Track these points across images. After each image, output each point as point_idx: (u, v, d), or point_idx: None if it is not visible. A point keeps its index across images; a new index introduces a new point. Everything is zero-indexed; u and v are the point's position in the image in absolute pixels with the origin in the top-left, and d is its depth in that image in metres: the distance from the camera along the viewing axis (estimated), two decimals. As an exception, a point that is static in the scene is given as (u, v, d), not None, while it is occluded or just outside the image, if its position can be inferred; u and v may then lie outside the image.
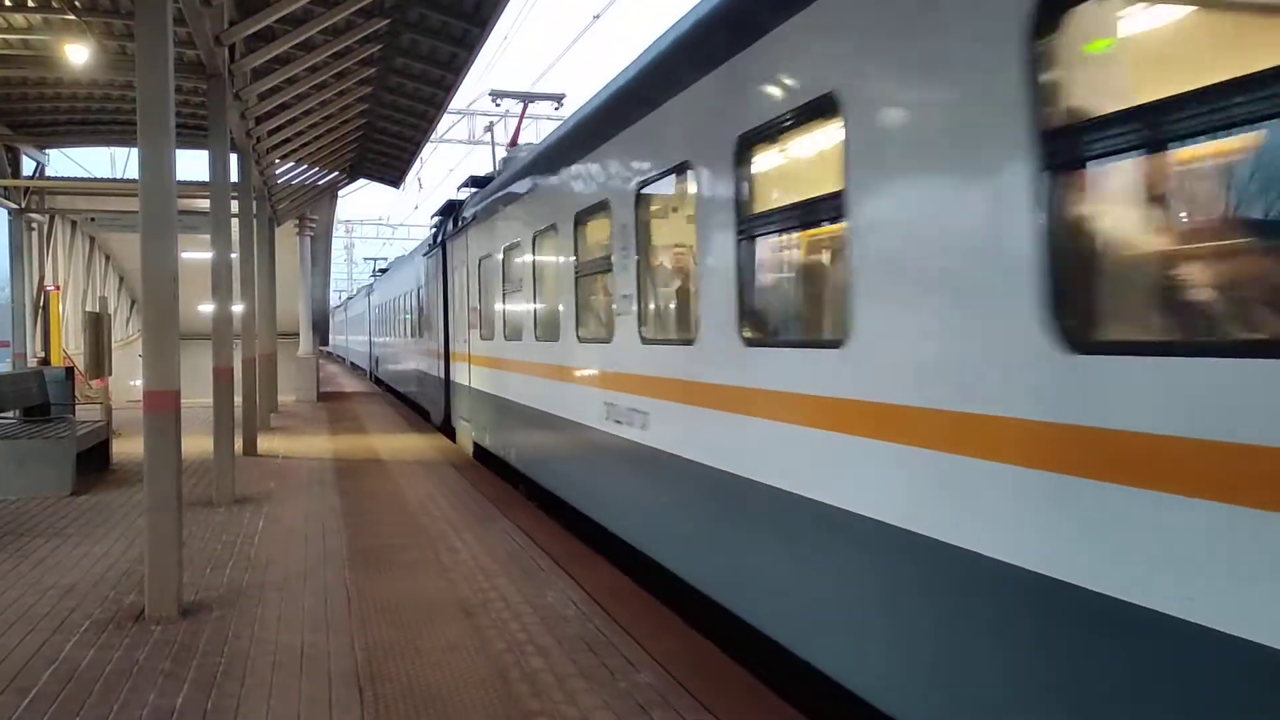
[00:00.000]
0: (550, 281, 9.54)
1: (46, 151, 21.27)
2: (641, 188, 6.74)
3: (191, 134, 16.21)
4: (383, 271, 38.69)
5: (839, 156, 4.28)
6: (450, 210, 16.76)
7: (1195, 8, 3.29)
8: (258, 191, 18.30)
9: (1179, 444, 2.72)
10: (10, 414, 13.29)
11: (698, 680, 5.18)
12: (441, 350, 16.88)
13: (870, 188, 4.11)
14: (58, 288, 23.38)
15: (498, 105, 19.64)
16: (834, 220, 4.43)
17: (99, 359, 15.75)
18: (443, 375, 16.81)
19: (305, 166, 21.93)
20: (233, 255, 12.43)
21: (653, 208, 6.90)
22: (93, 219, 24.12)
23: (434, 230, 18.65)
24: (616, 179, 7.26)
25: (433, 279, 17.98)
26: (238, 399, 12.50)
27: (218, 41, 11.13)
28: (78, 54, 12.06)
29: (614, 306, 7.31)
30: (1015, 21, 3.22)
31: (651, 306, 6.99)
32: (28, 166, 21.12)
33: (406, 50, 14.67)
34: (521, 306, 10.61)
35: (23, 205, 21.21)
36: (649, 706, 4.84)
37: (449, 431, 16.69)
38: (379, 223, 66.24)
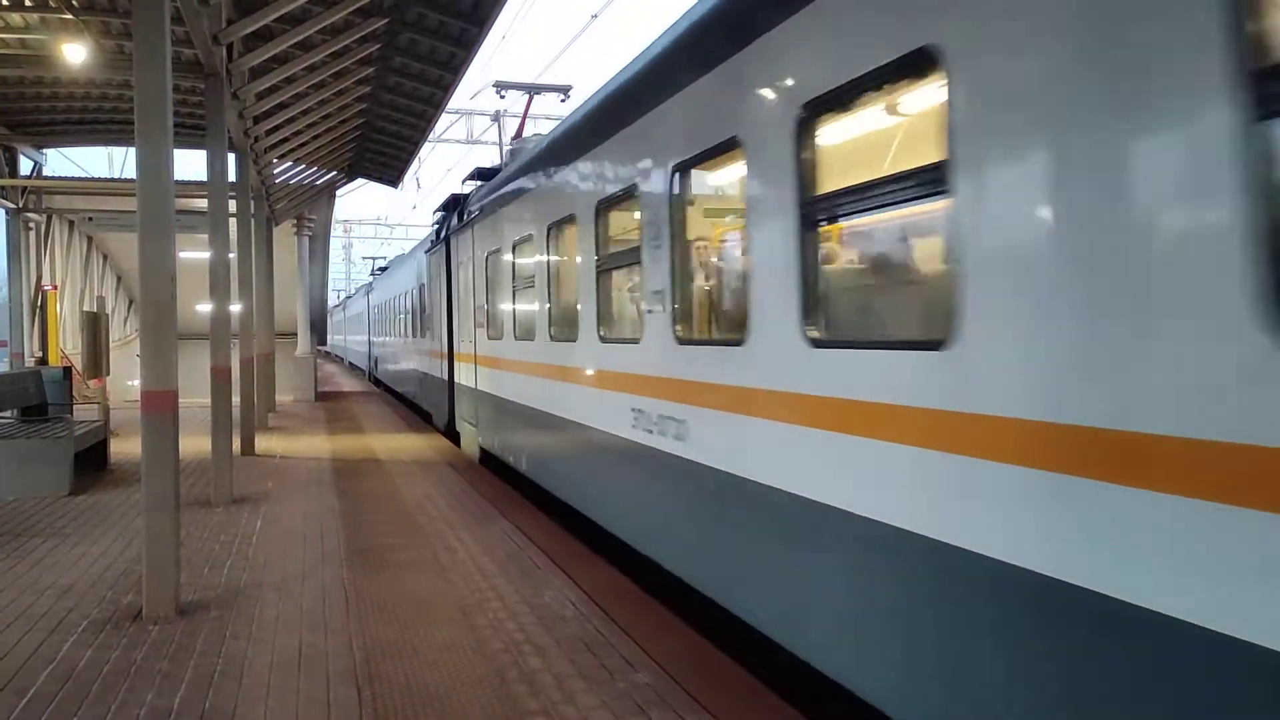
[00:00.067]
0: (567, 278, 8.97)
1: (44, 151, 21.25)
2: (678, 171, 6.05)
3: (189, 133, 16.19)
4: (382, 270, 37.90)
5: (940, 121, 3.60)
6: (454, 205, 15.96)
7: None
8: (256, 191, 18.29)
9: None
10: (8, 414, 13.29)
11: (696, 680, 5.18)
12: (445, 350, 16.17)
13: (986, 155, 3.43)
14: (55, 287, 23.35)
15: (502, 97, 19.13)
16: (934, 196, 3.72)
17: (97, 359, 15.72)
18: (446, 377, 16.14)
19: (303, 166, 21.92)
20: (230, 255, 12.42)
21: (692, 192, 6.22)
22: (90, 219, 24.08)
23: (436, 226, 17.98)
24: (647, 162, 6.54)
25: (436, 276, 17.29)
26: (235, 399, 12.49)
27: (215, 41, 11.11)
28: (75, 53, 12.05)
29: (643, 304, 6.64)
30: None
31: (689, 304, 6.31)
32: (25, 166, 21.10)
33: (405, 50, 14.66)
34: (534, 305, 9.88)
35: (20, 205, 21.19)
36: (647, 706, 4.84)
37: (453, 435, 16.09)
38: (377, 222, 66.37)
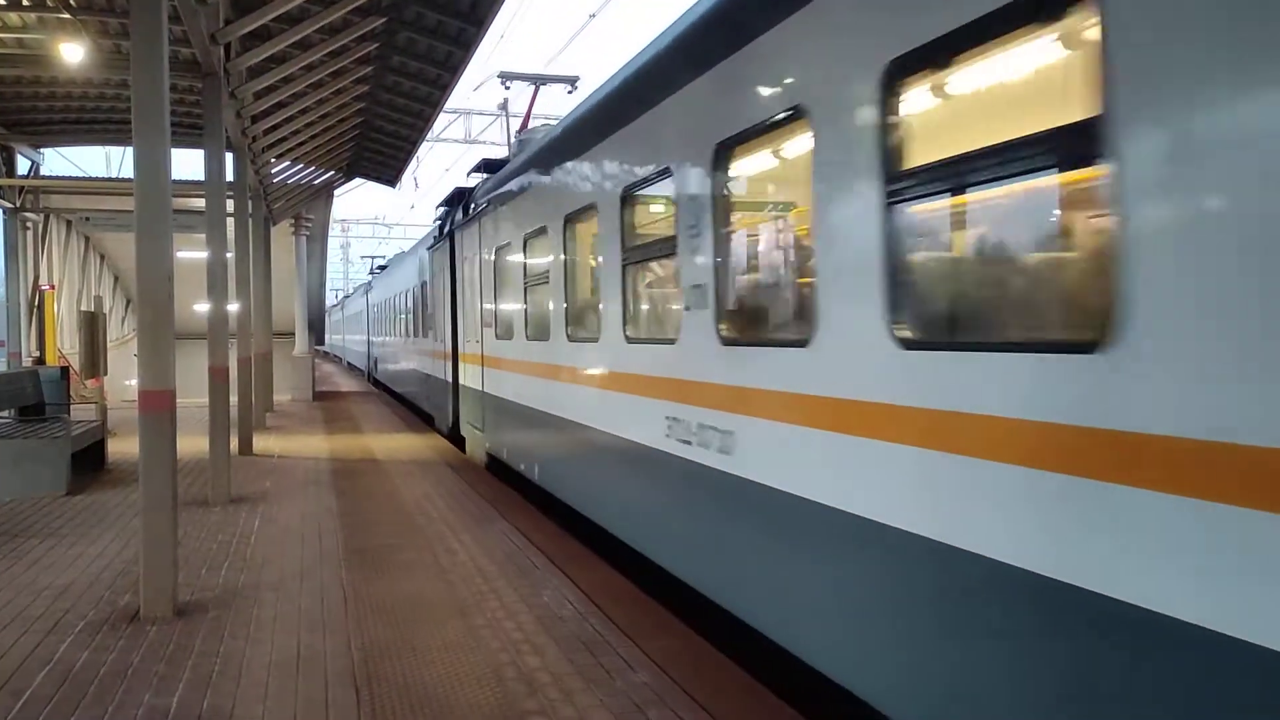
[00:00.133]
0: (586, 272, 8.43)
1: (41, 151, 21.22)
2: (724, 149, 5.37)
3: (187, 133, 16.17)
4: (381, 268, 37.24)
5: (1094, 64, 2.95)
6: (459, 198, 15.15)
7: None
8: (253, 190, 18.28)
9: None
10: (5, 414, 13.28)
11: (695, 680, 5.17)
12: (449, 351, 15.39)
13: (1166, 105, 2.75)
14: (53, 287, 23.32)
15: (507, 88, 18.50)
16: (1084, 162, 3.07)
17: (94, 358, 15.69)
18: (450, 378, 15.40)
19: (301, 166, 21.90)
20: (228, 255, 12.41)
21: (741, 173, 5.60)
22: (88, 218, 24.06)
23: (439, 221, 17.21)
24: (684, 142, 5.92)
25: (439, 273, 16.56)
26: (233, 398, 12.48)
27: (213, 40, 11.10)
28: (73, 53, 12.04)
29: (680, 301, 5.98)
30: None
31: (737, 299, 5.66)
32: (22, 166, 21.07)
33: (403, 49, 14.65)
34: (549, 303, 9.20)
35: (17, 204, 21.16)
36: (645, 706, 4.84)
37: (457, 439, 15.33)
38: (375, 222, 66.25)
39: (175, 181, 7.03)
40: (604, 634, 5.97)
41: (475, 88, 23.72)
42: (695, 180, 5.72)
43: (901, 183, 3.90)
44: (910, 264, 4.02)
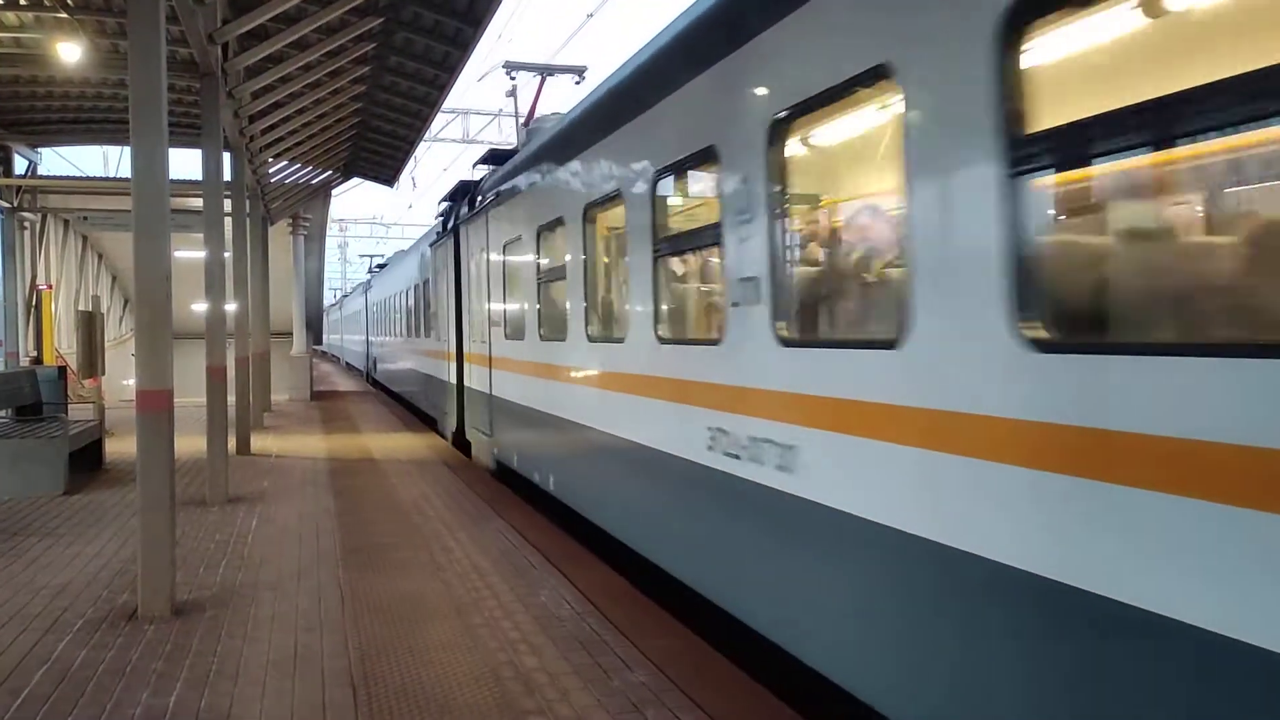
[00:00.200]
0: (611, 268, 7.85)
1: (39, 150, 21.21)
2: (781, 121, 4.74)
3: (184, 132, 16.17)
4: (381, 266, 36.56)
5: None
6: (464, 192, 14.44)
7: None
8: (251, 190, 18.26)
9: None
10: (3, 413, 13.28)
11: (693, 679, 5.18)
12: (454, 351, 14.73)
13: None
14: (50, 287, 23.32)
15: (513, 79, 18.11)
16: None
17: (92, 358, 15.68)
18: (455, 380, 14.72)
19: (299, 165, 21.90)
20: (226, 254, 12.41)
21: (805, 148, 4.92)
22: (85, 218, 24.06)
23: (442, 217, 16.50)
24: (731, 116, 5.25)
25: (443, 270, 15.80)
26: (231, 398, 12.48)
27: (210, 40, 11.10)
28: (70, 52, 12.04)
29: (726, 296, 5.35)
30: None
31: (801, 293, 5.02)
32: (20, 165, 21.06)
33: (400, 49, 14.66)
34: (565, 300, 8.54)
35: (15, 204, 21.14)
36: (643, 705, 4.84)
37: (462, 444, 14.58)
38: (373, 221, 66.19)
39: (173, 181, 7.03)
40: (601, 633, 5.98)
41: (479, 78, 23.09)
42: (747, 159, 5.00)
43: (1032, 148, 3.18)
44: (1047, 247, 3.37)
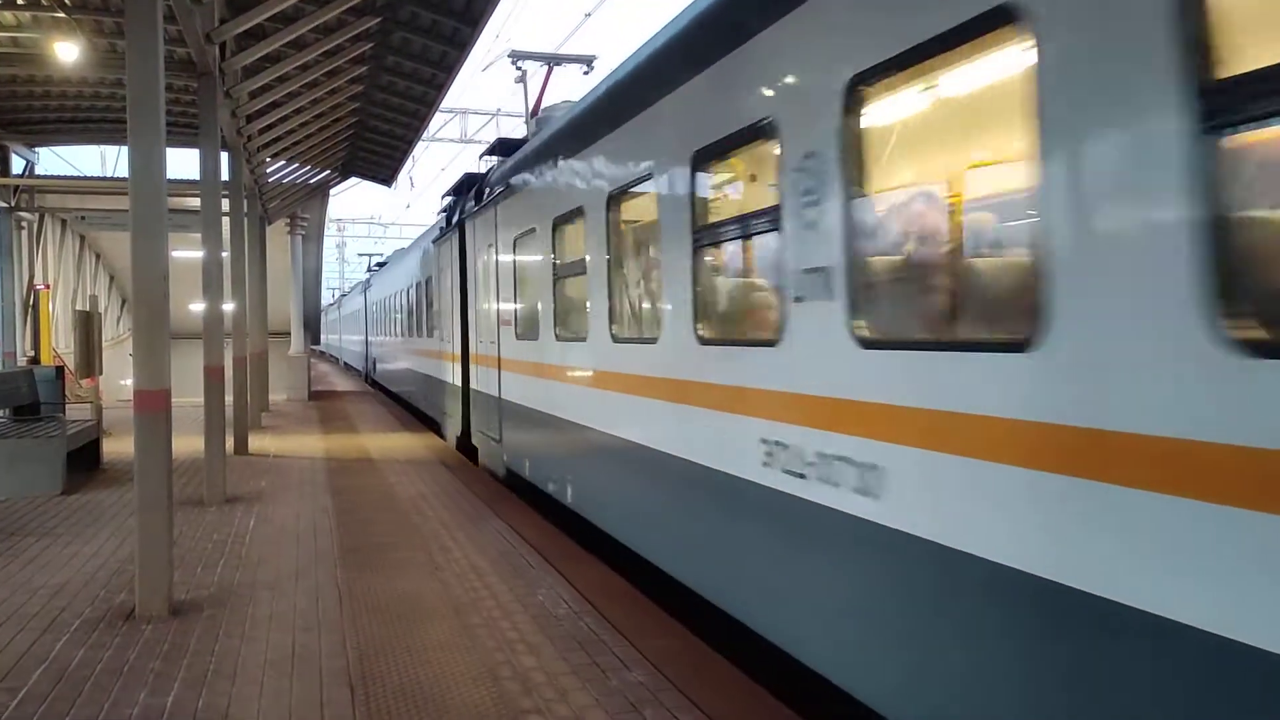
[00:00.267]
0: (638, 259, 7.22)
1: (36, 150, 21.20)
2: (863, 80, 4.04)
3: (182, 132, 16.15)
4: (381, 265, 36.13)
5: None
6: (469, 185, 13.86)
7: None
8: (249, 190, 18.25)
9: None
10: (0, 413, 13.25)
11: (691, 679, 5.19)
12: (458, 352, 14.06)
13: None
14: (47, 286, 23.32)
15: (519, 69, 17.25)
16: None
17: (89, 358, 15.66)
18: (459, 382, 14.01)
19: (297, 165, 21.89)
20: (223, 254, 12.40)
21: (895, 111, 4.23)
22: (83, 217, 23.99)
23: (446, 212, 15.83)
24: (795, 83, 4.66)
25: (446, 268, 15.21)
26: (229, 398, 12.47)
27: (208, 39, 11.09)
28: (67, 52, 12.01)
29: (786, 290, 4.71)
30: None
31: (891, 285, 4.39)
32: (17, 165, 21.05)
33: (398, 49, 14.65)
34: (584, 297, 7.90)
35: (12, 204, 21.13)
36: (641, 705, 4.85)
37: (468, 449, 13.95)
38: (371, 221, 66.17)
39: (170, 181, 7.04)
40: (599, 633, 5.98)
41: (483, 69, 22.59)
42: (816, 131, 4.36)
43: (1231, 96, 2.56)
44: (1264, 225, 2.76)
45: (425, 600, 6.72)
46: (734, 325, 5.88)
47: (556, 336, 8.79)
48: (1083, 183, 3.06)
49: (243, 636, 5.99)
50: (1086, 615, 2.98)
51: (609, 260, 7.32)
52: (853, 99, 4.11)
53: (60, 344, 23.22)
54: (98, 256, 31.14)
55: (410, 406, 22.05)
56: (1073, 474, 3.04)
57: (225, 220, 13.16)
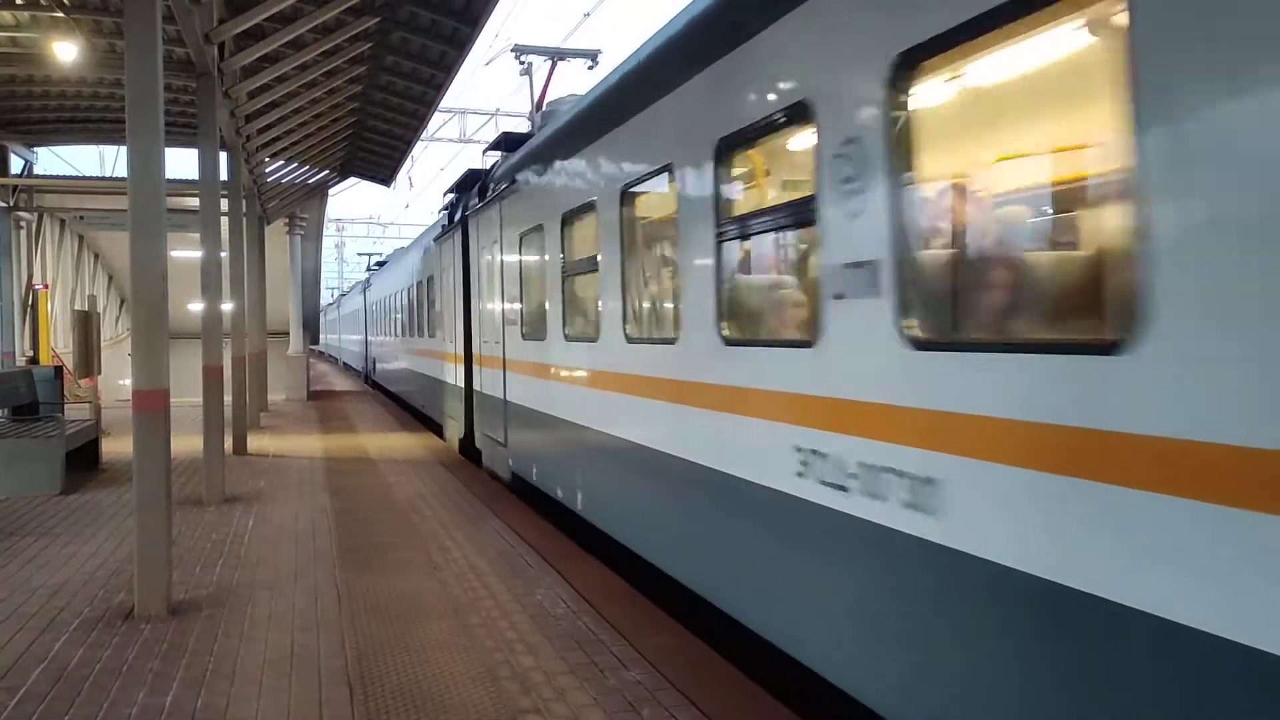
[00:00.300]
0: (655, 255, 6.95)
1: (35, 149, 21.20)
2: (915, 55, 3.67)
3: (181, 132, 16.14)
4: (380, 264, 35.70)
5: None
6: (473, 181, 13.50)
7: None
8: (247, 190, 18.25)
9: None
10: (-1, 413, 13.26)
11: (689, 677, 5.20)
12: (462, 353, 13.68)
13: None
14: (46, 286, 23.31)
15: (522, 63, 17.10)
16: None
17: (88, 358, 15.68)
18: (463, 383, 13.67)
19: (295, 165, 21.90)
20: (222, 254, 12.41)
21: (955, 87, 3.86)
22: (81, 217, 24.03)
23: (448, 209, 15.44)
24: (833, 62, 4.28)
25: (449, 266, 14.79)
26: (227, 398, 12.48)
27: (207, 40, 11.09)
28: (66, 52, 12.02)
29: (822, 287, 4.34)
30: None
31: (947, 279, 4.03)
32: (16, 165, 21.04)
33: (397, 49, 14.65)
34: (595, 295, 7.65)
35: (11, 203, 21.13)
36: (638, 704, 4.86)
37: (471, 452, 13.55)
38: (370, 221, 66.17)
39: (169, 181, 7.04)
40: (597, 632, 5.99)
41: (486, 63, 22.22)
42: (858, 114, 4.03)
43: None
44: None
45: (424, 600, 6.72)
46: (763, 324, 5.54)
47: (565, 337, 8.46)
48: (1191, 163, 2.68)
49: (241, 636, 5.99)
50: (1215, 661, 2.58)
51: (623, 257, 7.00)
52: (902, 77, 3.75)
53: (59, 344, 23.22)
54: (96, 256, 31.12)
55: (410, 407, 21.92)
56: (1192, 496, 2.62)
57: (224, 220, 13.15)
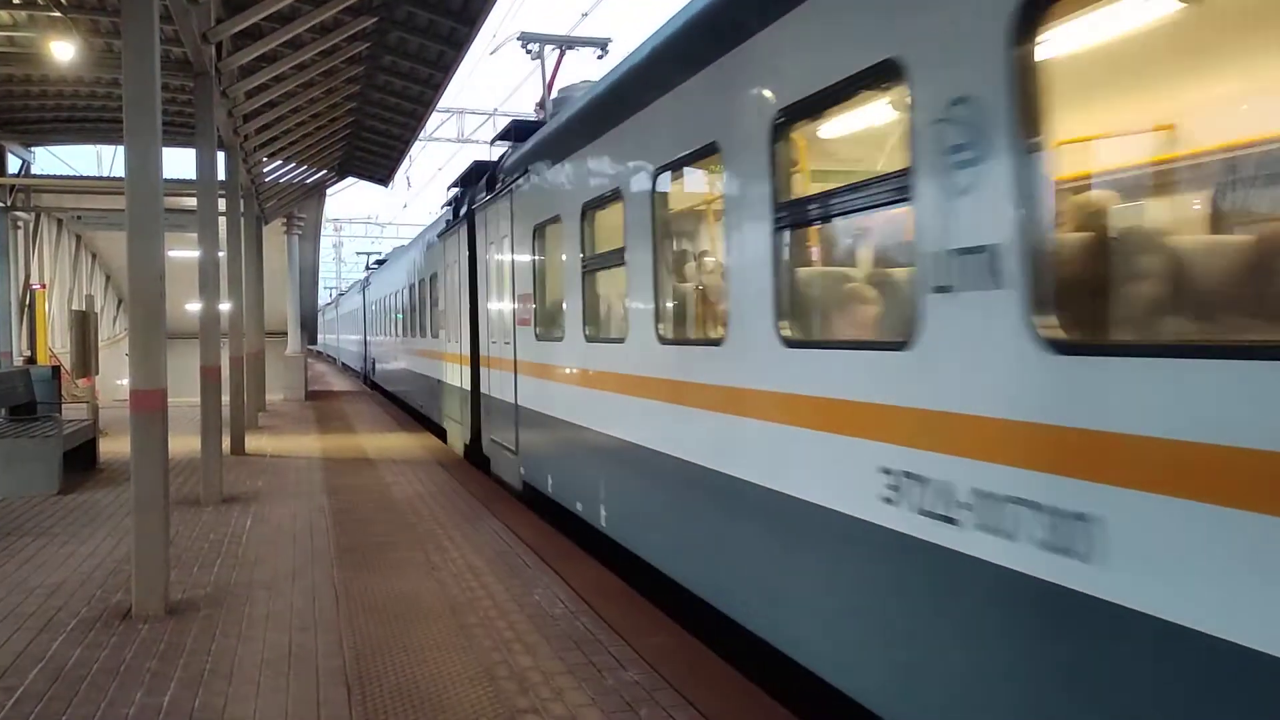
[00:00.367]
0: (697, 244, 6.46)
1: (32, 149, 21.19)
2: (1041, 7, 3.06)
3: (178, 132, 16.17)
4: (380, 262, 35.14)
5: None
6: (480, 174, 12.84)
7: None
8: (245, 189, 18.27)
9: None
10: (-4, 413, 13.25)
11: (686, 677, 5.20)
12: (468, 353, 13.07)
13: None
14: (44, 286, 23.30)
15: (529, 52, 16.56)
16: None
17: (85, 358, 15.67)
18: (469, 386, 13.05)
19: (293, 165, 21.91)
20: (220, 254, 12.41)
21: (1098, 34, 3.29)
22: (79, 217, 24.04)
23: (453, 204, 14.83)
24: (944, 11, 3.54)
25: (453, 263, 14.19)
26: (225, 398, 12.47)
27: (204, 39, 11.09)
28: (64, 51, 12.04)
29: (920, 278, 3.65)
30: None
31: (1109, 266, 3.28)
32: (13, 164, 21.03)
33: (394, 48, 14.67)
34: (624, 291, 6.91)
35: (8, 203, 21.12)
36: (636, 704, 4.86)
37: (478, 460, 12.94)
38: (367, 221, 66.25)
39: (167, 180, 7.04)
40: (595, 632, 5.99)
41: (491, 51, 21.73)
42: (972, 70, 3.34)
43: None
44: None
45: (422, 600, 6.73)
46: (835, 324, 4.88)
47: (587, 337, 7.77)
48: None
49: (239, 636, 5.99)
50: None
51: (656, 249, 6.31)
52: (1029, 19, 3.09)
53: (57, 344, 23.22)
54: (94, 256, 31.11)
55: (410, 408, 21.72)
56: None
57: (222, 220, 13.15)
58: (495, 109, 28.93)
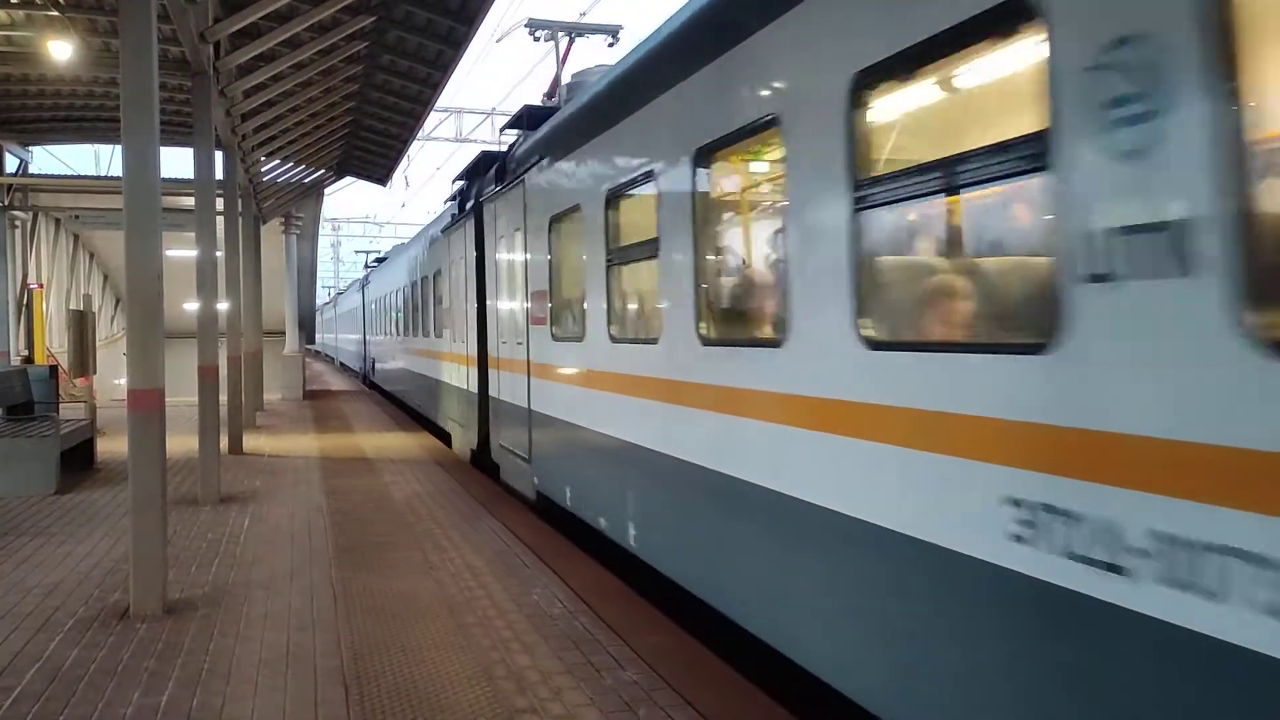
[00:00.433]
0: (747, 232, 5.87)
1: (30, 148, 21.17)
2: None
3: (176, 131, 16.15)
4: (380, 260, 34.39)
5: None
6: (488, 164, 12.18)
7: None
8: (243, 189, 18.26)
9: None
10: (-6, 412, 13.24)
11: (685, 677, 5.19)
12: (474, 354, 12.40)
13: None
14: (41, 285, 23.27)
15: (536, 40, 16.12)
16: None
17: (83, 357, 15.68)
18: (476, 388, 12.35)
19: (291, 164, 21.90)
20: (218, 253, 12.40)
21: None
22: (76, 216, 24.01)
23: (458, 197, 14.13)
24: None
25: (459, 260, 13.55)
26: (223, 397, 12.47)
27: (202, 38, 11.08)
28: (61, 50, 12.04)
29: (1070, 262, 2.94)
30: None
31: None
32: (11, 164, 21.01)
33: (393, 48, 14.67)
34: (658, 286, 6.27)
35: (6, 203, 21.09)
36: (635, 704, 4.86)
37: (485, 466, 12.32)
38: (366, 220, 66.18)
39: (164, 180, 7.03)
40: (594, 632, 5.99)
41: (498, 40, 21.36)
42: (1140, 6, 2.71)
43: None
44: None
45: (420, 600, 6.72)
46: (937, 322, 4.09)
47: (612, 337, 7.11)
48: None
49: (237, 636, 5.98)
50: None
51: (697, 239, 5.62)
52: None
53: (54, 343, 23.19)
54: (91, 256, 31.08)
55: (409, 408, 21.46)
56: None
57: (219, 219, 13.14)
58: (493, 108, 28.98)
